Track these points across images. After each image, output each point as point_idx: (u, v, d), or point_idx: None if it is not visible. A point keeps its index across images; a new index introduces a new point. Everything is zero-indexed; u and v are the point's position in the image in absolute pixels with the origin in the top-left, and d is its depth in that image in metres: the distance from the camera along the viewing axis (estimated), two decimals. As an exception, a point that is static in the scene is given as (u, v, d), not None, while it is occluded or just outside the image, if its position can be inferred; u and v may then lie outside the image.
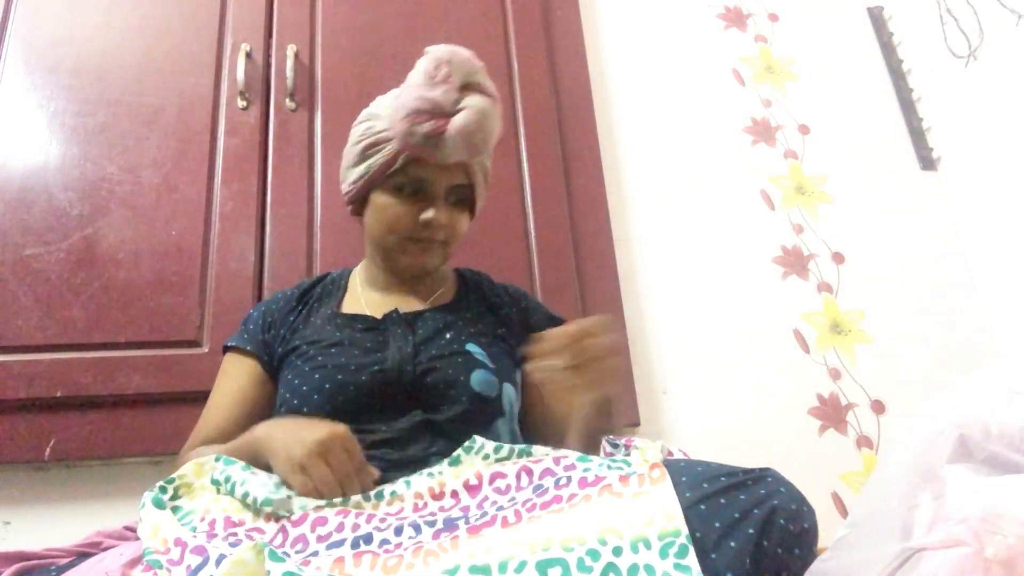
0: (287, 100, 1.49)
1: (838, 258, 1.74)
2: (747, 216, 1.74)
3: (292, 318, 0.98)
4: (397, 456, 0.82)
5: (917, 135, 1.91)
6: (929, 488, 0.48)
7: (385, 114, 0.93)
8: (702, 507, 0.59)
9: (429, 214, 0.92)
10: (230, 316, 1.30)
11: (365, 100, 1.53)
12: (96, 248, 1.31)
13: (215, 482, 0.74)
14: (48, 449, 1.18)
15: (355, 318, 0.96)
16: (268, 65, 1.52)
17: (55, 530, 0.84)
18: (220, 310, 1.30)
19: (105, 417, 1.21)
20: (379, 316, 0.96)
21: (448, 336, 0.94)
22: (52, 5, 1.48)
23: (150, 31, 1.50)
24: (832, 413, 1.57)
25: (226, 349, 1.00)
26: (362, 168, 0.94)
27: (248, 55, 1.49)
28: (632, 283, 1.59)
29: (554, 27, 1.74)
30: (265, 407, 0.94)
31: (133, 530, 0.76)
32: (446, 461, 0.73)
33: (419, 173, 0.92)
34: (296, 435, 0.74)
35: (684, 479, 0.62)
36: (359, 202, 0.99)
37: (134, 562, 0.62)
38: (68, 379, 1.21)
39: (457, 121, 0.88)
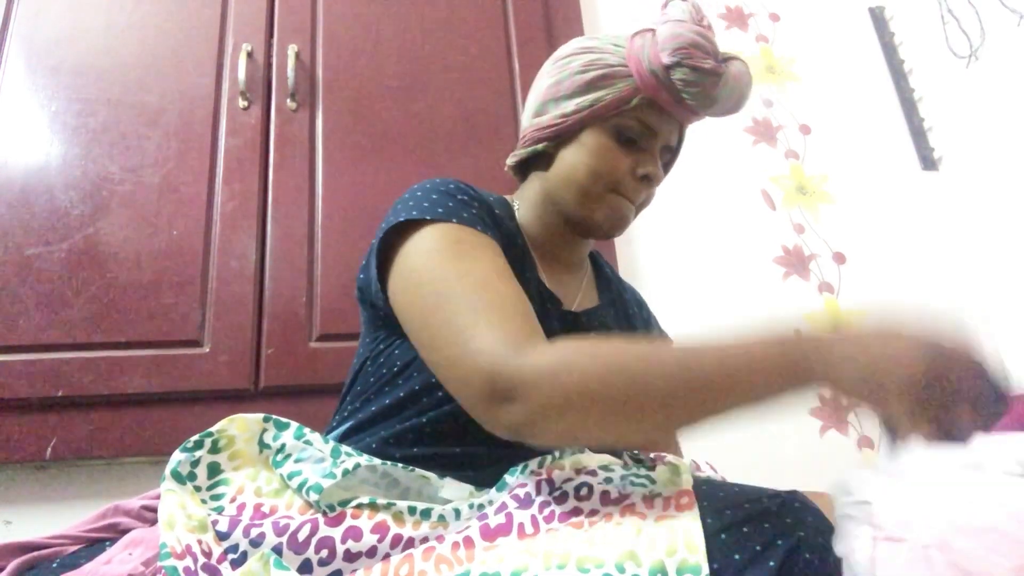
0: (288, 100, 1.49)
1: (839, 258, 1.74)
2: (748, 216, 1.74)
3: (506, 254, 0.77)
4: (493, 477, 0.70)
5: (918, 135, 1.91)
6: (858, 524, 0.50)
7: (615, 50, 0.84)
8: (723, 536, 0.55)
9: (649, 168, 0.82)
10: (230, 316, 1.30)
11: (366, 100, 1.55)
12: (97, 248, 1.31)
13: (263, 446, 0.68)
14: (49, 449, 1.18)
15: (553, 299, 0.83)
16: (269, 65, 1.52)
17: (56, 530, 0.84)
18: (220, 310, 1.30)
19: (106, 417, 1.21)
20: (565, 304, 0.84)
21: None
22: (53, 5, 1.48)
23: (151, 31, 1.50)
24: (833, 413, 1.57)
25: (430, 221, 0.72)
26: (587, 99, 0.82)
27: (249, 55, 1.49)
28: (632, 283, 1.58)
29: (555, 28, 1.74)
30: None
31: (151, 510, 0.73)
32: (494, 488, 0.67)
33: (649, 119, 0.82)
34: (877, 352, 0.55)
35: (706, 504, 0.58)
36: (558, 139, 0.85)
37: (147, 562, 0.61)
38: (69, 379, 1.21)
39: (737, 68, 0.80)
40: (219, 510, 0.63)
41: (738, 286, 1.65)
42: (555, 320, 0.80)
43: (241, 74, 1.46)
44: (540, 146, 0.87)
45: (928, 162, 1.89)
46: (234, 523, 0.61)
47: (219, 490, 0.65)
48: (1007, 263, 1.73)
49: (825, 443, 1.53)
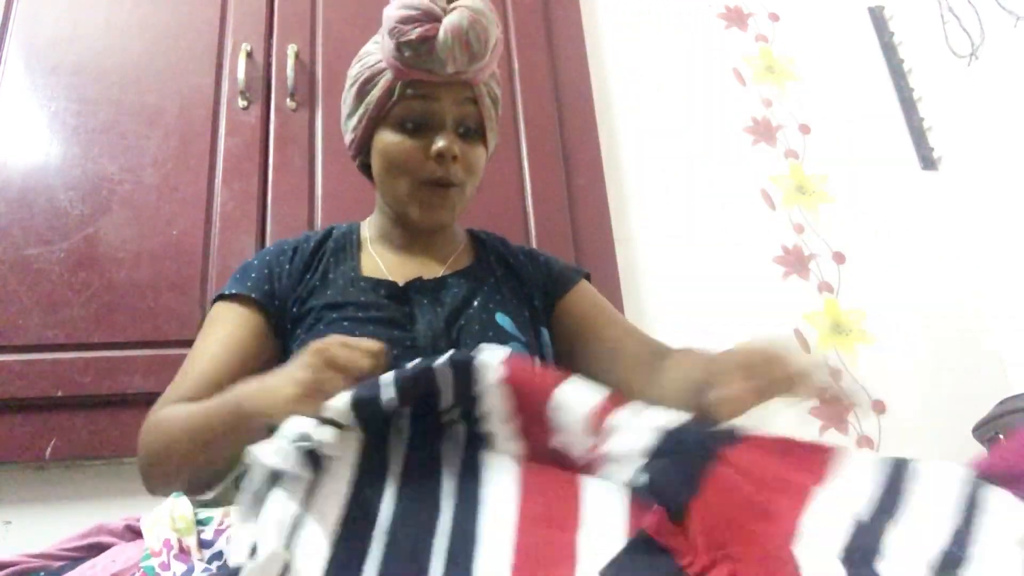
0: (288, 100, 1.49)
1: (839, 258, 1.74)
2: (748, 216, 1.74)
3: (308, 276, 0.88)
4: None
5: (918, 135, 1.91)
6: None
7: (376, 48, 0.86)
8: None
9: (440, 143, 0.82)
10: (230, 316, 1.30)
11: (365, 100, 1.55)
12: (97, 248, 1.31)
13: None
14: (49, 449, 1.18)
15: (379, 284, 0.87)
16: (269, 65, 1.52)
17: (56, 530, 0.84)
18: (220, 310, 1.30)
19: (105, 417, 1.21)
20: (400, 282, 0.88)
21: (476, 306, 0.87)
22: (53, 5, 1.48)
23: (151, 31, 1.50)
24: (833, 413, 1.57)
25: (219, 298, 0.88)
26: (361, 109, 0.87)
27: (249, 55, 1.49)
28: (632, 283, 1.58)
29: (554, 27, 1.74)
30: (264, 366, 0.81)
31: (135, 531, 0.75)
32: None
33: (421, 100, 0.83)
34: (282, 375, 0.64)
35: None
36: (364, 150, 0.91)
37: (125, 572, 0.61)
38: (69, 379, 1.21)
39: (449, 20, 0.79)
40: (207, 521, 0.68)
41: (737, 286, 1.65)
42: (383, 296, 0.86)
43: (241, 74, 1.46)
44: (357, 161, 0.94)
45: (928, 162, 1.89)
46: (218, 532, 0.65)
47: (204, 516, 0.70)
48: (1007, 263, 1.73)
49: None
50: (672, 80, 1.85)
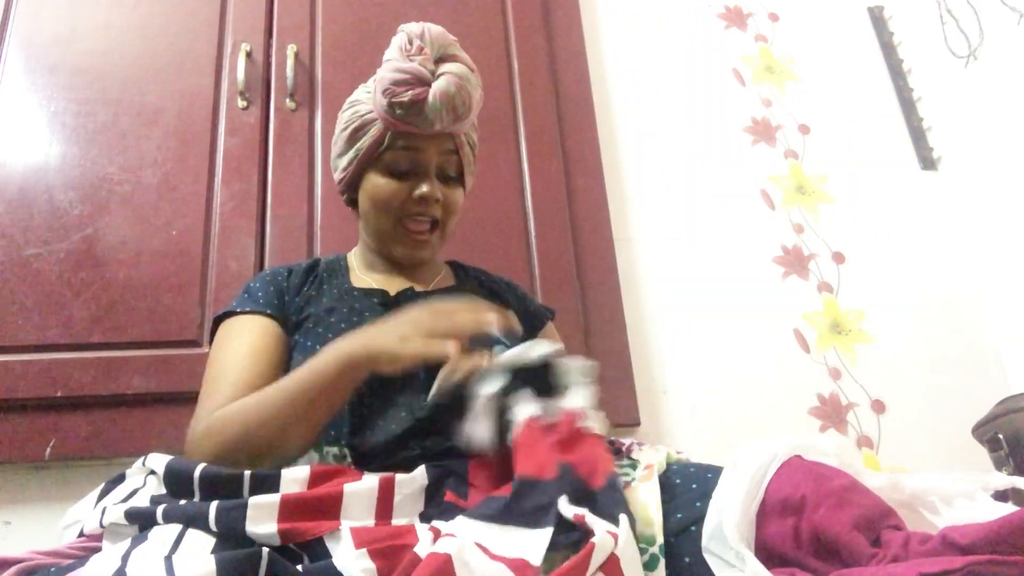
0: (287, 100, 1.49)
1: (838, 258, 1.74)
2: (747, 216, 1.74)
3: (305, 288, 0.96)
4: (418, 451, 0.80)
5: (917, 135, 1.91)
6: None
7: (367, 97, 0.94)
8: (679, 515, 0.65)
9: (424, 188, 0.92)
10: (230, 316, 1.30)
11: (365, 100, 1.55)
12: (96, 248, 1.31)
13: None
14: (48, 449, 1.18)
15: (371, 292, 0.95)
16: (268, 65, 1.52)
17: (56, 530, 0.84)
18: (219, 310, 1.30)
19: (105, 417, 1.21)
20: (391, 292, 0.96)
21: None
22: (52, 5, 1.48)
23: (150, 31, 1.50)
24: (832, 413, 1.57)
25: (225, 316, 0.93)
26: (352, 152, 0.95)
27: (248, 55, 1.49)
28: (632, 283, 1.59)
29: (554, 27, 1.74)
30: (283, 373, 0.85)
31: None
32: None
33: (409, 151, 0.92)
34: (397, 322, 0.75)
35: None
36: (352, 188, 0.99)
37: None
38: (68, 379, 1.21)
39: (438, 86, 0.88)
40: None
41: (737, 286, 1.65)
42: (377, 303, 0.94)
43: (240, 74, 1.46)
44: (345, 197, 1.03)
45: (927, 162, 1.89)
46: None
47: None
48: (1006, 263, 1.73)
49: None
50: (672, 80, 1.85)
